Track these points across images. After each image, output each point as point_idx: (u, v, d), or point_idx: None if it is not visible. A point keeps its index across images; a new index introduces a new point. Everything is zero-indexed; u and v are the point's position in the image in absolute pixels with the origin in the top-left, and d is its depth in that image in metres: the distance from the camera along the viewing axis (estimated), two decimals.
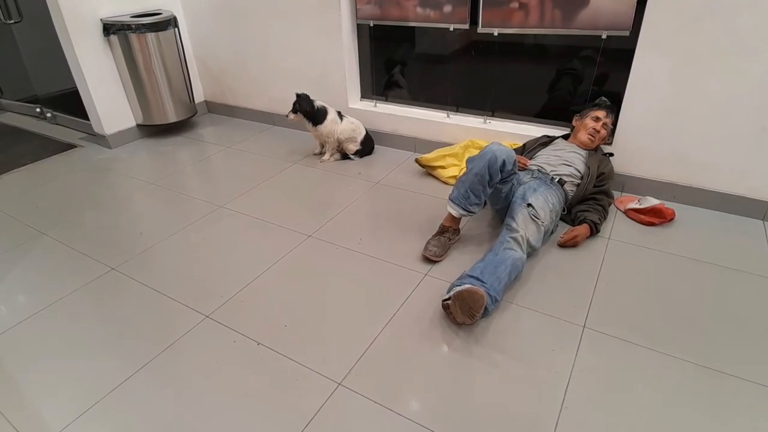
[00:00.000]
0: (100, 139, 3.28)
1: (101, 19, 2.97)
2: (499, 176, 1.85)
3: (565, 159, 2.18)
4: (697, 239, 2.03)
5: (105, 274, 1.97)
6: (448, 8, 2.57)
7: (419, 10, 2.66)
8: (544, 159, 2.21)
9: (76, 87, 3.12)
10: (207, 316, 1.71)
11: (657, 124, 2.20)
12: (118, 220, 2.38)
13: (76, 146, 3.31)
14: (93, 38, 2.97)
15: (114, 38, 3.00)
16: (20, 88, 3.92)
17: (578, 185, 2.13)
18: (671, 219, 2.14)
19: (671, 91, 2.11)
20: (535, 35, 2.50)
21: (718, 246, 1.98)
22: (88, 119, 3.26)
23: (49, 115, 3.75)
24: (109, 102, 3.16)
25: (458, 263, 1.92)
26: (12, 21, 3.29)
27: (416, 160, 2.70)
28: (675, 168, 2.25)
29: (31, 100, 3.88)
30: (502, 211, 2.04)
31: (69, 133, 3.55)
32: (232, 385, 1.44)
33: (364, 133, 2.91)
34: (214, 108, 3.85)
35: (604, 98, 2.31)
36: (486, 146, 1.88)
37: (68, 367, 1.54)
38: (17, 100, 4.01)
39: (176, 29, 3.20)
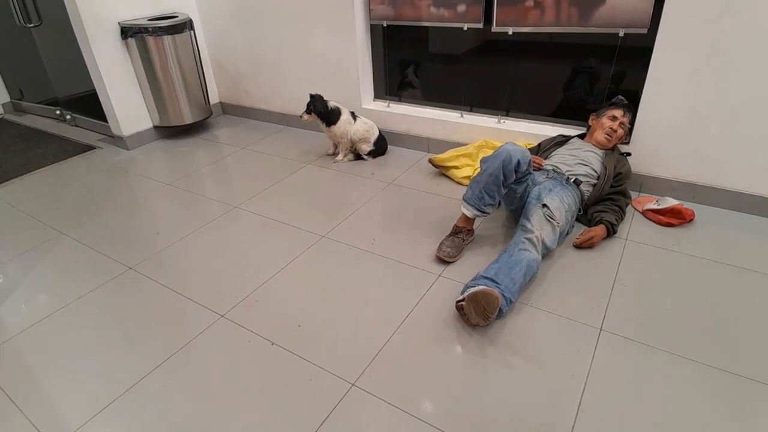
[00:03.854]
0: (118, 140, 3.33)
1: (119, 23, 3.02)
2: (514, 176, 1.83)
3: (581, 159, 2.15)
4: (717, 240, 1.99)
5: (123, 273, 2.00)
6: (462, 7, 2.55)
7: (433, 9, 2.65)
8: (559, 159, 2.19)
9: (94, 89, 3.18)
10: (222, 316, 1.73)
11: (676, 123, 2.16)
12: (136, 220, 2.41)
13: (94, 147, 3.37)
14: (111, 41, 3.02)
15: (131, 41, 3.05)
16: (40, 91, 4.00)
17: (595, 185, 2.10)
18: (690, 220, 2.10)
19: (690, 90, 2.07)
20: (551, 34, 2.48)
21: (740, 247, 1.94)
22: (106, 121, 3.32)
23: (68, 117, 3.82)
24: (127, 104, 3.22)
25: (472, 264, 1.90)
26: (32, 24, 3.36)
27: (430, 161, 2.69)
28: (694, 168, 2.21)
29: (51, 102, 3.96)
30: (516, 211, 2.02)
31: (88, 134, 3.61)
32: (246, 385, 1.45)
33: (377, 133, 2.91)
34: (228, 109, 3.89)
35: (621, 97, 2.28)
36: (500, 146, 1.86)
37: (86, 365, 1.56)
38: (37, 103, 4.10)
39: (192, 32, 3.24)
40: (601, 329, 1.57)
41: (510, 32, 2.48)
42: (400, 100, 3.12)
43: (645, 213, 2.18)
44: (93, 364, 1.56)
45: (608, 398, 1.34)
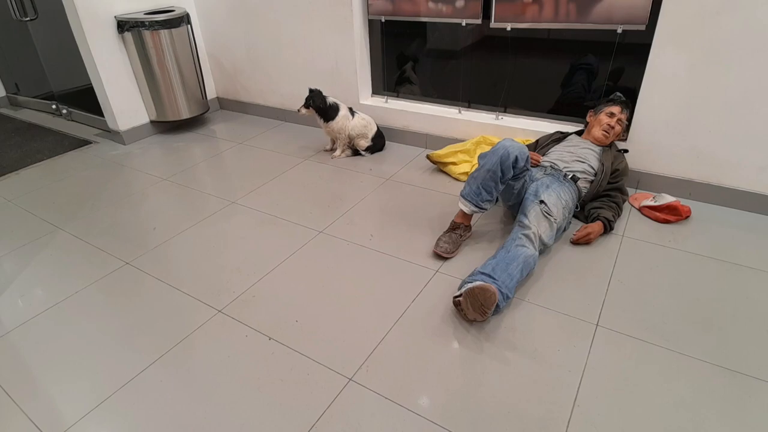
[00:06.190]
0: (114, 135, 3.32)
1: (115, 17, 3.00)
2: (512, 173, 1.84)
3: (578, 155, 2.15)
4: (713, 237, 2.00)
5: (119, 268, 2.00)
6: (460, 3, 2.55)
7: (431, 5, 2.64)
8: (557, 155, 2.19)
9: (90, 84, 3.16)
10: (219, 311, 1.72)
11: (673, 120, 2.16)
12: (132, 216, 2.41)
13: (90, 142, 3.36)
14: (107, 35, 3.00)
15: (128, 35, 3.03)
16: (36, 85, 3.98)
17: (592, 182, 2.11)
18: (687, 216, 2.11)
19: (688, 87, 2.07)
20: (549, 30, 2.47)
21: (736, 244, 1.95)
22: (102, 115, 3.31)
23: (64, 111, 3.80)
24: (123, 98, 3.20)
25: (469, 260, 1.91)
26: (28, 18, 3.34)
27: (427, 157, 2.69)
28: (691, 164, 2.21)
29: (47, 96, 3.94)
30: (514, 207, 2.03)
31: (84, 129, 3.60)
32: (244, 380, 1.45)
33: (375, 129, 2.90)
34: (226, 104, 3.87)
35: (619, 94, 2.28)
36: (498, 142, 1.86)
37: (83, 360, 1.56)
38: (33, 97, 4.08)
39: (189, 26, 3.22)
40: (597, 325, 1.58)
41: (508, 28, 2.48)
42: (398, 96, 3.12)
43: (642, 209, 2.19)
44: (90, 359, 1.56)
45: (604, 393, 1.35)
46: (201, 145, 3.24)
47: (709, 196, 2.22)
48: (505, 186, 1.89)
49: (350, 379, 1.42)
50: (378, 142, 2.93)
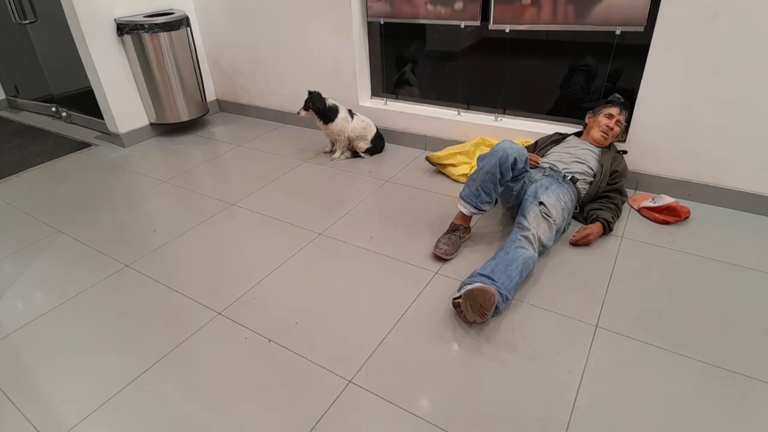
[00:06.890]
0: (114, 137, 3.32)
1: (115, 19, 3.01)
2: (511, 174, 1.84)
3: (577, 156, 2.16)
4: (712, 238, 2.00)
5: (119, 271, 2.00)
6: (459, 5, 2.55)
7: (430, 7, 2.65)
8: (556, 157, 2.19)
9: (90, 86, 3.17)
10: (219, 313, 1.73)
11: (672, 121, 2.16)
12: (132, 218, 2.41)
13: (90, 145, 3.36)
14: (107, 38, 3.01)
15: (127, 38, 3.04)
16: (36, 88, 3.98)
17: (591, 183, 2.11)
18: (686, 217, 2.11)
19: (687, 88, 2.07)
20: (548, 31, 2.48)
21: (734, 245, 1.95)
22: (102, 118, 3.31)
23: (64, 114, 3.81)
24: (123, 101, 3.20)
25: (469, 261, 1.91)
26: (27, 21, 3.34)
27: (427, 158, 2.69)
28: (690, 165, 2.22)
29: (47, 99, 3.94)
30: (513, 209, 2.03)
31: (84, 131, 3.60)
32: (243, 382, 1.45)
33: (374, 131, 2.91)
34: (225, 106, 3.88)
35: (617, 95, 2.28)
36: (497, 144, 1.86)
37: (83, 362, 1.56)
38: (33, 100, 4.08)
39: (188, 28, 3.23)
40: (597, 326, 1.58)
41: (507, 30, 2.49)
42: (397, 98, 3.12)
43: (641, 211, 2.19)
44: (90, 362, 1.56)
45: (604, 394, 1.35)
46: (201, 148, 3.25)
47: (708, 196, 2.23)
48: (504, 187, 1.89)
49: (350, 381, 1.42)
50: (377, 144, 2.94)
